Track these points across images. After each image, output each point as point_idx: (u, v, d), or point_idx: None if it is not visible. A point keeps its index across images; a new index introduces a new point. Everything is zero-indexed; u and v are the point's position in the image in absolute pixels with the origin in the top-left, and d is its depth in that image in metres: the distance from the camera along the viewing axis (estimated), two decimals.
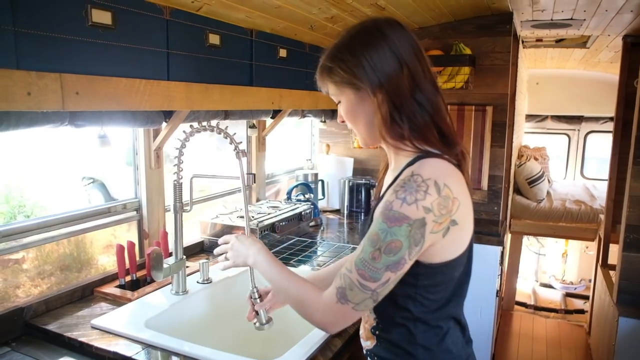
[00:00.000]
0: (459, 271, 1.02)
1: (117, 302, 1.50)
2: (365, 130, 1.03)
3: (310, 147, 3.18)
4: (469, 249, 1.03)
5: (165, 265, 1.44)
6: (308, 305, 1.00)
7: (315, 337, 1.27)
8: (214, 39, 1.75)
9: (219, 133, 1.41)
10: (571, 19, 2.74)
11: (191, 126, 1.43)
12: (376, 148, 2.81)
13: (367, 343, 1.11)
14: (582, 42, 3.61)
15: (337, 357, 1.29)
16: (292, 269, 1.79)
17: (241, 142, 1.39)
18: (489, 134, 2.68)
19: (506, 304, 4.27)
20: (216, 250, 1.24)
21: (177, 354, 1.22)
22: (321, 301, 0.97)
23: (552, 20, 2.78)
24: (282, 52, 2.18)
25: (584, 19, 2.74)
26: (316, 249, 2.09)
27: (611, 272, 3.20)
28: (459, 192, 0.93)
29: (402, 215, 0.88)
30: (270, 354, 1.28)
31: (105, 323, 1.33)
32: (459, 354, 1.06)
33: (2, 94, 1.08)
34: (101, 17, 1.31)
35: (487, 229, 2.59)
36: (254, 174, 1.40)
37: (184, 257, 1.52)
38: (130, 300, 1.48)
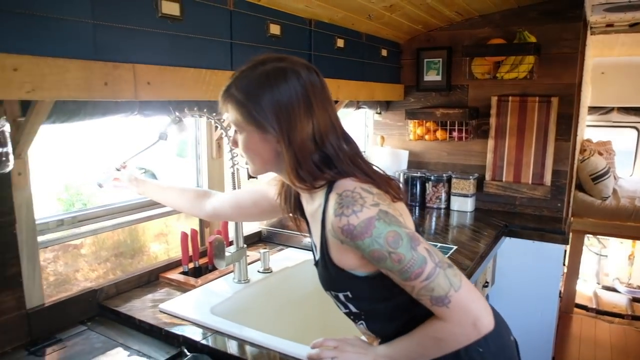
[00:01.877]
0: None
1: (182, 287, 1.55)
2: (259, 166, 1.03)
3: (364, 139, 3.15)
4: None
5: (227, 254, 1.46)
6: (445, 337, 0.93)
7: None
8: (275, 29, 1.75)
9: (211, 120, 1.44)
10: None
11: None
12: (432, 140, 2.72)
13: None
14: None
15: None
16: None
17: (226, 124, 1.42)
18: (554, 127, 2.55)
19: (564, 306, 4.08)
20: (315, 355, 1.08)
21: (244, 341, 1.24)
22: (444, 322, 0.92)
23: (629, 1, 2.56)
24: (340, 42, 2.16)
25: None
26: None
27: None
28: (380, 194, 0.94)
29: (366, 220, 0.88)
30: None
31: (173, 308, 1.37)
32: None
33: (83, 84, 1.12)
34: (170, 8, 1.34)
35: (550, 227, 2.47)
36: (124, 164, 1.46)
37: (245, 245, 1.54)
38: (194, 286, 1.52)
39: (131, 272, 1.59)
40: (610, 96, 5.34)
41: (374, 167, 1.03)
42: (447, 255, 1.87)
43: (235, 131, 1.03)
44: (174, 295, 1.48)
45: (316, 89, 0.97)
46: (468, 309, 0.90)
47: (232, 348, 1.21)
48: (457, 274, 0.91)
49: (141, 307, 1.42)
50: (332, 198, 0.94)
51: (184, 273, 1.63)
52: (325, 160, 0.98)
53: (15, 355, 1.23)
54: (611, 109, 5.53)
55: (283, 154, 0.96)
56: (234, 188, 1.49)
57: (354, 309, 1.08)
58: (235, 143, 1.04)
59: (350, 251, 0.94)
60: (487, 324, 0.91)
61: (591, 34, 3.54)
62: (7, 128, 1.15)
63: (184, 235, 1.61)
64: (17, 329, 1.28)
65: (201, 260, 1.70)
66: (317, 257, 1.06)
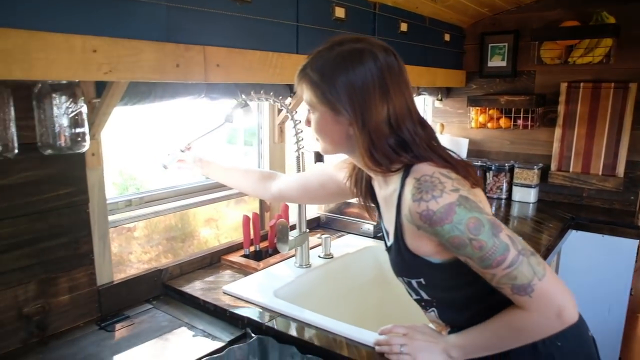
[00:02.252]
0: None
1: (243, 270, 1.56)
2: (331, 146, 1.02)
3: None
4: None
5: (290, 238, 1.46)
6: (528, 327, 0.90)
7: None
8: (340, 12, 1.71)
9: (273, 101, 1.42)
10: None
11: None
12: (495, 128, 2.60)
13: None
14: None
15: None
16: None
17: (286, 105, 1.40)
18: (630, 115, 2.38)
19: (632, 304, 3.85)
20: (384, 342, 1.07)
21: (309, 325, 1.23)
22: (526, 312, 0.88)
23: None
24: (403, 26, 2.10)
25: None
26: None
27: None
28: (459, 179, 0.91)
29: (446, 206, 0.86)
30: None
31: (237, 290, 1.38)
32: None
33: (156, 66, 1.13)
34: None
35: (621, 220, 2.33)
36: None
37: (307, 230, 1.53)
38: (256, 270, 1.53)
39: (194, 254, 1.61)
40: None
41: (450, 153, 0.99)
42: None
43: (309, 111, 1.02)
44: (236, 278, 1.50)
45: (393, 71, 0.95)
46: (552, 298, 0.86)
47: (297, 331, 1.21)
48: (541, 262, 0.87)
49: (204, 288, 1.44)
50: (410, 182, 0.91)
51: (245, 256, 1.64)
52: (401, 144, 0.95)
53: (86, 330, 1.28)
54: None
55: (356, 137, 0.95)
56: (299, 172, 1.48)
57: (425, 296, 1.05)
58: (308, 122, 1.04)
59: (427, 237, 0.92)
60: (572, 316, 0.86)
61: None
62: (84, 109, 1.19)
63: (246, 219, 1.62)
64: (89, 304, 1.33)
65: (262, 244, 1.71)
66: (390, 242, 1.03)
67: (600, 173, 2.49)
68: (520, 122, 2.60)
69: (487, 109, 2.69)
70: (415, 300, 1.10)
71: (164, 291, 1.48)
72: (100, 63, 1.03)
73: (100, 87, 1.27)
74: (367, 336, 1.15)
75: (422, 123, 0.99)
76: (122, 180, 2.22)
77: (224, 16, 1.30)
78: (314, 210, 2.04)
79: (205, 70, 1.26)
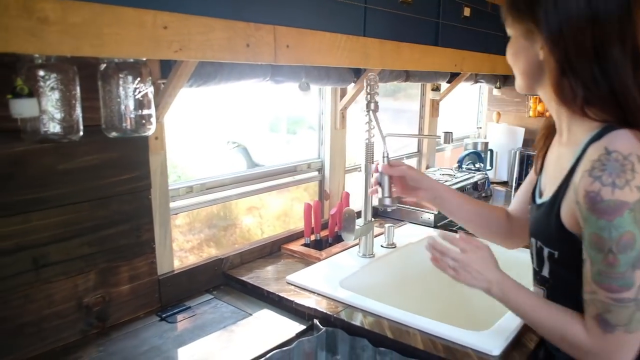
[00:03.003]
0: None
1: (305, 260, 1.51)
2: (521, 77, 0.92)
3: (477, 115, 2.96)
4: None
5: (357, 227, 1.40)
6: (573, 344, 0.85)
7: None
8: None
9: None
10: None
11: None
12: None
13: None
14: None
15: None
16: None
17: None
18: None
19: None
20: (439, 248, 1.03)
21: (379, 316, 1.17)
22: (586, 337, 0.82)
23: None
24: (466, 11, 2.00)
25: None
26: None
27: None
28: None
29: (618, 202, 0.73)
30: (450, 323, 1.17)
31: (301, 280, 1.34)
32: None
33: (227, 45, 1.08)
34: None
35: None
36: (452, 132, 1.28)
37: (373, 219, 1.47)
38: (319, 259, 1.48)
39: (254, 242, 1.58)
40: None
41: None
42: None
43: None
44: (297, 267, 1.45)
45: None
46: (621, 350, 0.79)
47: (367, 323, 1.15)
48: (636, 320, 0.77)
49: (267, 278, 1.40)
50: (596, 151, 0.78)
51: (305, 245, 1.59)
52: (602, 74, 0.79)
53: (147, 321, 1.24)
54: None
55: (546, 60, 0.83)
56: (367, 160, 1.42)
57: (546, 273, 0.94)
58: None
59: (578, 216, 0.80)
60: None
61: None
62: (151, 90, 1.15)
63: (308, 207, 1.58)
64: (150, 294, 1.29)
65: (322, 232, 1.66)
66: (541, 201, 0.93)
67: None
68: None
69: None
70: (533, 269, 0.99)
71: (225, 281, 1.45)
72: (170, 40, 0.99)
73: (166, 68, 1.24)
74: (443, 329, 1.10)
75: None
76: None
77: None
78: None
79: (275, 51, 1.20)
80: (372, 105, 1.36)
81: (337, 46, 1.37)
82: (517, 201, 1.17)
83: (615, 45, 0.79)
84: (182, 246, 1.90)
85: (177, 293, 1.34)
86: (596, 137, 0.80)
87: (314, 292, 1.28)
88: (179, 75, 1.18)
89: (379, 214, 1.95)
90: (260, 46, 1.16)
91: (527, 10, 0.84)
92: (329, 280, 1.33)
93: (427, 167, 2.34)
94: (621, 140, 0.77)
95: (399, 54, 1.60)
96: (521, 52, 0.89)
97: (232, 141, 2.22)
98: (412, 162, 2.35)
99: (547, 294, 0.96)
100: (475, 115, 2.97)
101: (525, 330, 1.12)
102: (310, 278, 1.35)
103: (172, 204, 1.40)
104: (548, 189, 0.92)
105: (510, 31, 0.92)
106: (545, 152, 1.00)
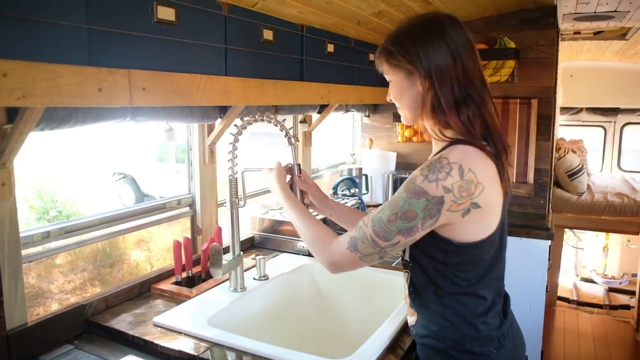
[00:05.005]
0: (488, 254, 1.07)
1: (175, 299, 1.50)
2: (408, 110, 1.12)
3: (352, 141, 3.15)
4: (500, 234, 1.09)
5: (224, 262, 1.43)
6: (320, 244, 1.13)
7: (383, 336, 1.25)
8: (268, 35, 1.73)
9: (269, 122, 1.42)
10: (615, 11, 2.69)
11: (242, 119, 1.42)
12: (420, 142, 2.77)
13: (411, 319, 1.19)
14: (622, 34, 3.56)
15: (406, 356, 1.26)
16: None
17: (292, 128, 1.40)
18: (535, 127, 2.62)
19: (548, 300, 4.21)
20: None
21: (245, 353, 1.20)
22: (333, 244, 1.10)
23: (595, 12, 2.74)
24: (330, 47, 2.15)
25: (628, 11, 2.69)
26: None
27: None
28: (484, 178, 0.99)
29: (421, 190, 0.97)
30: (325, 352, 1.26)
31: (168, 321, 1.32)
32: (489, 333, 1.09)
33: (76, 91, 1.07)
34: (166, 13, 1.30)
35: (535, 223, 2.54)
36: (299, 164, 1.39)
37: (242, 253, 1.51)
38: (189, 297, 1.47)
39: (121, 285, 1.52)
40: (579, 97, 5.60)
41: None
42: None
43: (389, 83, 1.13)
44: (168, 308, 1.43)
45: (457, 33, 1.06)
46: (348, 265, 1.09)
47: None
48: (374, 260, 1.06)
49: (133, 322, 1.36)
50: (436, 156, 1.02)
51: (176, 283, 1.58)
52: (469, 98, 1.04)
53: None
54: (580, 109, 5.78)
55: (425, 94, 1.05)
56: (231, 195, 1.46)
57: (407, 257, 1.13)
58: (389, 96, 1.15)
59: None
60: (334, 273, 1.14)
61: (561, 40, 3.69)
62: None
63: (177, 244, 1.57)
64: None
65: (194, 269, 1.65)
66: None
67: (514, 180, 2.70)
68: None
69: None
70: (401, 255, 1.17)
71: (88, 328, 1.37)
72: (12, 88, 0.96)
73: (12, 112, 1.18)
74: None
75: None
76: (42, 203, 2.06)
77: (150, 39, 1.27)
78: (247, 231, 2.02)
79: (131, 94, 1.21)
80: (236, 145, 1.41)
81: (197, 86, 1.41)
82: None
83: (472, 74, 1.05)
84: (64, 287, 1.77)
85: (31, 348, 1.24)
86: (444, 148, 1.04)
87: (181, 333, 1.28)
88: (25, 121, 1.13)
89: (255, 245, 2.00)
90: (113, 90, 1.16)
91: (404, 61, 1.06)
92: (196, 319, 1.33)
93: None
94: (455, 151, 1.00)
95: (262, 90, 1.68)
96: (405, 92, 1.09)
97: (118, 172, 2.13)
98: None
99: (410, 276, 1.15)
100: (351, 142, 3.16)
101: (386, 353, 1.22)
102: (178, 318, 1.34)
103: (26, 252, 1.32)
104: None
105: (389, 77, 1.12)
106: None
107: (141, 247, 2.15)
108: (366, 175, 2.77)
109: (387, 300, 1.48)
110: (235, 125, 1.44)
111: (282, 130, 1.36)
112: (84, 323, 1.37)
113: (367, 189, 2.79)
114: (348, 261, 1.07)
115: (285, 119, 1.42)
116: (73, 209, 2.17)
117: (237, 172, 1.45)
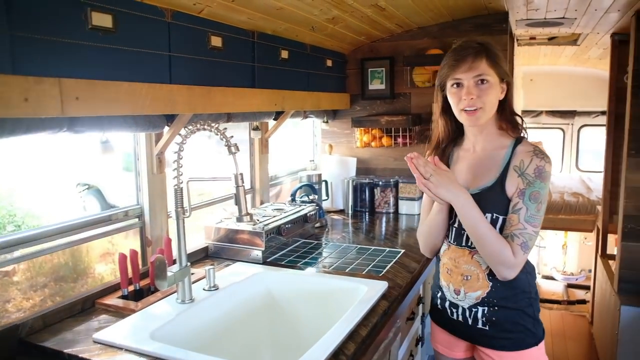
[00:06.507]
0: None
1: (121, 313, 1.44)
2: (492, 112, 1.33)
3: (313, 148, 3.14)
4: None
5: (169, 274, 1.38)
6: (503, 256, 1.26)
7: (328, 343, 1.23)
8: (216, 41, 1.71)
9: (210, 130, 1.39)
10: (563, 17, 2.79)
11: (186, 128, 1.39)
12: (378, 147, 2.77)
13: (476, 294, 1.36)
14: (573, 40, 3.69)
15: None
16: (298, 272, 1.76)
17: (232, 137, 1.39)
18: None
19: None
20: (416, 165, 1.28)
21: None
22: (512, 257, 1.26)
23: (545, 19, 2.83)
24: (284, 54, 2.14)
25: (575, 18, 2.80)
26: (322, 250, 2.05)
27: (610, 262, 3.25)
28: None
29: (549, 173, 1.29)
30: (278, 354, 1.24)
31: (108, 336, 1.27)
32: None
33: None
34: (101, 20, 1.27)
35: None
36: (242, 173, 1.37)
37: (189, 264, 1.47)
38: (134, 311, 1.43)
39: (62, 301, 1.45)
40: (539, 100, 5.77)
41: None
42: (395, 260, 1.89)
43: (477, 83, 1.30)
44: (111, 323, 1.38)
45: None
46: (523, 263, 1.30)
47: None
48: (534, 244, 1.31)
49: (72, 340, 1.29)
50: (526, 147, 1.33)
51: (123, 297, 1.52)
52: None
53: None
54: (540, 112, 5.94)
55: (505, 96, 1.35)
56: (177, 205, 1.42)
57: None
58: (472, 95, 1.29)
59: (520, 182, 1.29)
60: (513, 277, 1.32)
61: (518, 45, 3.79)
62: None
63: (122, 257, 1.52)
64: None
65: (143, 282, 1.61)
66: (480, 189, 1.35)
67: None
68: (400, 140, 2.79)
69: (370, 129, 2.84)
70: None
71: (22, 350, 1.28)
72: None
73: None
74: None
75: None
76: None
77: (84, 46, 1.23)
78: (201, 241, 1.98)
79: (62, 103, 1.17)
80: (181, 154, 1.38)
81: (138, 95, 1.37)
82: (425, 211, 1.52)
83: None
84: (22, 305, 1.68)
85: None
86: (517, 142, 1.35)
87: (121, 349, 1.23)
88: None
89: (210, 255, 1.96)
90: (42, 100, 1.12)
91: (503, 68, 1.32)
92: (139, 333, 1.28)
93: (262, 203, 2.41)
94: (534, 143, 1.35)
95: (210, 98, 1.66)
96: (495, 91, 1.31)
97: (82, 183, 2.06)
98: (247, 198, 2.40)
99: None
100: (312, 148, 3.14)
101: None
102: (119, 333, 1.29)
103: None
104: (479, 181, 1.36)
105: (487, 77, 1.30)
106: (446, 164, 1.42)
107: (106, 260, 2.08)
108: (326, 182, 2.76)
109: (343, 307, 1.46)
110: (179, 134, 1.41)
111: (222, 139, 1.33)
112: (18, 344, 1.29)
113: (327, 195, 2.78)
114: (524, 260, 1.30)
115: (226, 128, 1.37)
116: (34, 222, 2.08)
117: (182, 182, 1.42)
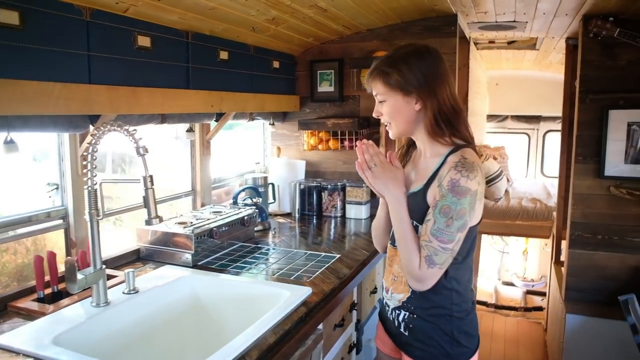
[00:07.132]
0: (474, 233, 1.33)
1: (32, 316, 1.41)
2: (403, 126, 1.32)
3: (263, 150, 3.12)
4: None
5: (79, 277, 1.36)
6: (411, 266, 1.27)
7: (248, 335, 1.26)
8: (144, 41, 1.69)
9: (120, 131, 1.36)
10: (514, 21, 2.80)
11: (97, 129, 1.38)
12: (325, 150, 2.77)
13: (399, 296, 1.39)
14: (532, 44, 3.70)
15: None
16: (226, 276, 1.75)
17: (142, 138, 1.36)
18: None
19: None
20: (364, 151, 1.31)
21: None
22: (417, 268, 1.25)
23: (496, 22, 2.84)
24: (223, 54, 2.13)
25: (526, 22, 2.81)
26: (257, 254, 2.04)
27: (563, 269, 3.26)
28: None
29: (467, 189, 1.21)
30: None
31: (9, 341, 1.23)
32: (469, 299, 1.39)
33: None
34: (7, 17, 1.24)
35: None
36: (152, 175, 1.36)
37: (104, 266, 1.45)
38: (44, 314, 1.40)
39: None
40: (504, 105, 5.81)
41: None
42: (327, 265, 1.89)
43: (380, 102, 1.32)
44: (19, 327, 1.35)
45: (442, 60, 1.31)
46: (433, 279, 1.27)
47: None
48: (449, 261, 1.26)
49: None
50: (455, 157, 1.25)
51: (39, 300, 1.50)
52: (455, 112, 1.30)
53: None
54: (506, 117, 5.99)
55: (425, 113, 1.28)
56: (90, 207, 1.40)
57: None
58: (378, 113, 1.33)
59: (436, 193, 1.25)
60: (425, 289, 1.30)
61: (477, 49, 3.80)
62: None
63: (38, 259, 1.49)
64: None
65: (62, 284, 1.58)
66: (411, 192, 1.33)
67: None
68: (346, 143, 2.80)
69: (317, 131, 2.84)
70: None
71: None
72: None
73: None
74: None
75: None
76: None
77: None
78: (132, 243, 1.96)
79: None
80: (94, 155, 1.37)
81: (49, 95, 1.35)
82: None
83: (454, 93, 1.32)
84: None
85: None
86: (453, 151, 1.28)
87: (19, 354, 1.20)
88: None
89: (141, 257, 1.94)
90: None
91: (403, 83, 1.26)
92: (41, 337, 1.25)
93: (202, 205, 2.39)
94: (468, 153, 1.26)
95: (135, 99, 1.64)
96: (403, 110, 1.29)
97: (52, 183, 2.01)
98: (188, 201, 2.38)
99: None
100: (261, 151, 3.13)
101: None
102: (21, 337, 1.25)
103: None
104: (411, 186, 1.34)
105: (383, 97, 1.30)
106: (405, 164, 1.44)
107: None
108: (273, 184, 2.75)
109: (265, 312, 1.45)
110: (91, 135, 1.39)
111: (131, 141, 1.31)
112: None
113: (274, 198, 2.77)
114: (431, 275, 1.26)
115: (135, 130, 1.36)
116: None
117: (96, 184, 1.40)
